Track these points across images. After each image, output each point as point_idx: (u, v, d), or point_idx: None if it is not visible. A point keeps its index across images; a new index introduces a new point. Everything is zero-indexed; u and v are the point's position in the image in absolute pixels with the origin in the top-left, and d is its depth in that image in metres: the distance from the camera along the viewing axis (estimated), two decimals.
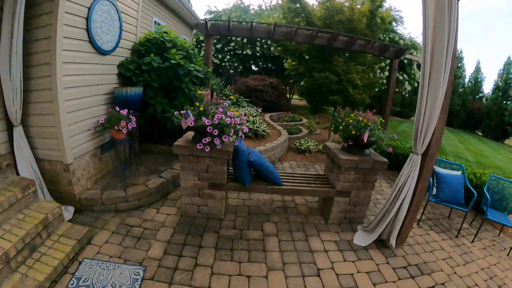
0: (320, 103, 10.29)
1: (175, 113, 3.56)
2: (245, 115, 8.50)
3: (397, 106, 24.00)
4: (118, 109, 4.35)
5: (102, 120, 4.23)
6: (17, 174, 3.37)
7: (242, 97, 11.84)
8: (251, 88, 12.98)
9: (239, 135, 3.40)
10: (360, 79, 8.47)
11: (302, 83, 10.22)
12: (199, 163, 3.71)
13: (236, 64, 16.75)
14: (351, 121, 3.90)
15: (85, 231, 3.18)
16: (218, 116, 3.20)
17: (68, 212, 3.69)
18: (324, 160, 7.43)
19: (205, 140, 3.24)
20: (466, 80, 30.16)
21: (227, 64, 16.81)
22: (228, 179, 3.98)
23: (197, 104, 3.51)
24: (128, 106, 4.60)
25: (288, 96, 17.93)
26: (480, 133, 29.37)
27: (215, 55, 16.95)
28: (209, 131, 3.19)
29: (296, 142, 8.13)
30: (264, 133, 7.61)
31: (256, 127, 7.61)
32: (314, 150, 7.91)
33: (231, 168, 4.01)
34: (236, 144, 3.67)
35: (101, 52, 4.34)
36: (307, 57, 9.10)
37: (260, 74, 14.66)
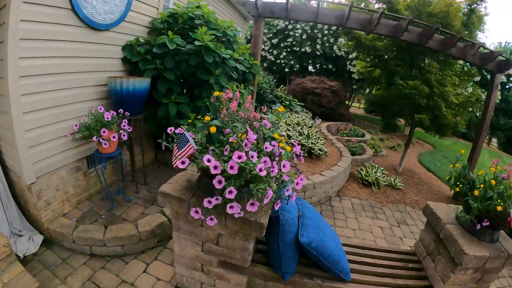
0: (397, 119, 7.99)
1: (168, 130, 1.88)
2: (298, 124, 6.63)
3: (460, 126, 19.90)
4: (102, 110, 2.85)
5: (76, 127, 2.78)
6: None
7: (296, 100, 10.02)
8: (308, 91, 11.13)
9: (285, 195, 1.64)
10: (454, 95, 6.11)
11: (373, 91, 7.97)
12: (204, 229, 2.04)
13: (292, 62, 14.94)
14: (493, 182, 2.14)
15: None
16: (238, 156, 1.46)
17: (34, 243, 2.86)
18: (397, 201, 5.34)
19: (209, 203, 1.52)
20: None
21: (282, 61, 15.10)
22: (254, 260, 2.25)
23: (207, 118, 1.83)
24: (127, 104, 3.12)
25: (347, 103, 15.60)
26: None
27: (270, 50, 15.35)
28: (218, 186, 1.48)
29: (361, 169, 6.08)
30: (321, 153, 5.71)
31: (311, 143, 5.72)
32: (384, 184, 5.81)
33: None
34: (277, 209, 1.87)
35: (92, 26, 2.98)
36: (386, 57, 6.89)
37: (319, 76, 12.66)
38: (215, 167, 1.40)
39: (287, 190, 1.58)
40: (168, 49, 3.39)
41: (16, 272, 2.42)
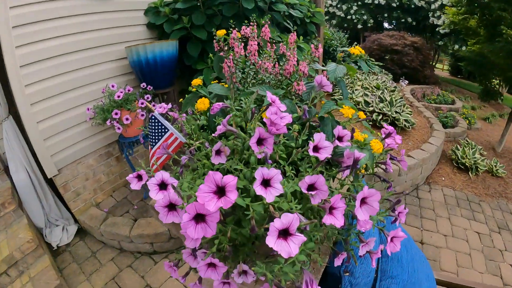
0: (499, 84, 6.11)
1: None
2: (378, 88, 5.38)
3: None
4: (114, 87, 2.30)
5: (88, 110, 2.31)
6: (11, 180, 2.44)
7: (373, 60, 8.52)
8: (386, 48, 9.46)
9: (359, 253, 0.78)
10: None
11: (468, 46, 6.10)
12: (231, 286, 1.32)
13: (365, 17, 12.93)
14: None
15: (54, 285, 2.20)
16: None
17: (68, 233, 2.72)
18: (498, 195, 4.05)
19: (192, 259, 0.74)
20: None
21: (353, 17, 13.16)
22: None
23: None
24: (150, 76, 2.54)
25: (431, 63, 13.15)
26: None
27: (338, 5, 13.54)
28: (190, 244, 0.64)
29: (456, 148, 4.72)
30: (408, 125, 4.50)
31: (395, 111, 4.53)
32: (483, 169, 4.41)
33: None
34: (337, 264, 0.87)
35: None
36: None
37: (397, 31, 10.65)
38: (170, 207, 0.63)
39: (365, 244, 0.75)
40: (197, 1, 2.63)
41: (43, 266, 2.31)
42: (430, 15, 11.16)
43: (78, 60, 2.45)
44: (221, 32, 1.10)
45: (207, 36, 2.74)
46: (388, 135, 0.86)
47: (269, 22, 1.11)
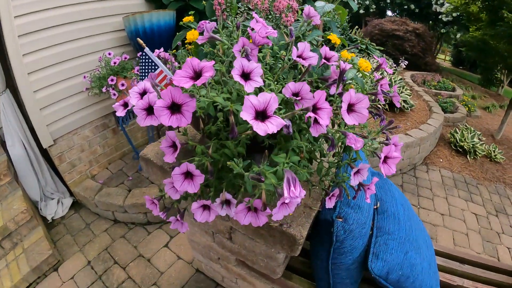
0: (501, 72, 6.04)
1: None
2: (377, 70, 5.33)
3: None
4: (110, 54, 2.27)
5: (85, 78, 2.29)
6: (8, 154, 2.43)
7: (374, 44, 8.43)
8: (388, 33, 9.27)
9: (351, 184, 0.77)
10: None
11: (470, 32, 6.02)
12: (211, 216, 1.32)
13: (367, 2, 12.71)
14: None
15: (47, 256, 2.19)
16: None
17: (63, 206, 2.72)
18: (496, 179, 4.12)
19: (173, 190, 0.71)
20: None
21: (355, 1, 12.96)
22: (291, 267, 1.47)
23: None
24: (150, 46, 2.45)
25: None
26: None
27: None
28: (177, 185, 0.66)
29: (455, 132, 4.71)
30: (406, 106, 4.49)
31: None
32: (481, 154, 4.42)
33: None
34: (329, 206, 0.83)
35: None
36: None
37: (400, 17, 10.48)
38: (149, 110, 0.61)
39: (357, 173, 0.74)
40: None
41: (36, 237, 2.32)
42: (433, 2, 10.95)
43: (76, 31, 2.42)
44: None
45: (203, 7, 2.71)
46: (378, 67, 0.87)
47: None
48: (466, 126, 5.17)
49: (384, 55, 7.80)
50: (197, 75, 0.53)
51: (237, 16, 1.05)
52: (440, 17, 10.79)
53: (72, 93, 2.50)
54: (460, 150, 4.44)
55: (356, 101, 0.60)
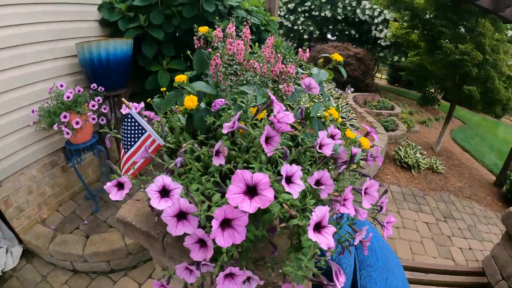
0: (436, 91, 6.86)
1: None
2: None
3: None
4: (62, 87, 2.07)
5: (33, 113, 2.03)
6: None
7: None
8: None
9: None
10: (508, 66, 4.98)
11: (409, 57, 6.80)
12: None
13: (311, 28, 13.58)
14: None
15: None
16: (246, 189, 0.53)
17: (13, 256, 2.38)
18: (439, 188, 4.55)
19: (188, 272, 0.65)
20: None
21: (300, 27, 13.76)
22: None
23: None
24: (103, 76, 2.34)
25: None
26: None
27: (286, 16, 14.04)
28: (197, 256, 0.58)
29: (399, 149, 5.16)
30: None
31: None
32: (424, 167, 4.93)
33: None
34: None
35: None
36: (428, 16, 5.65)
37: (341, 42, 11.38)
38: (180, 216, 0.56)
39: (359, 234, 0.76)
40: (156, 1, 2.51)
41: None
42: (373, 28, 12.10)
43: (21, 56, 2.15)
44: (203, 29, 1.06)
45: (164, 36, 2.63)
46: (367, 134, 0.98)
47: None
48: (407, 142, 5.71)
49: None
50: (250, 189, 0.50)
51: (235, 79, 1.03)
52: (379, 41, 11.93)
53: (17, 127, 2.22)
54: (405, 165, 4.87)
55: (370, 186, 0.69)
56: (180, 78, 0.89)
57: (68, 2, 2.39)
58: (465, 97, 5.29)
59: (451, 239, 3.47)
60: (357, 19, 12.62)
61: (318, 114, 0.97)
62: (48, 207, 2.60)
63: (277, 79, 1.06)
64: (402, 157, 4.91)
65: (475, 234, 3.68)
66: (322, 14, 13.03)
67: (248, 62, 1.01)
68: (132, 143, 0.91)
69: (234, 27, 1.00)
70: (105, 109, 2.28)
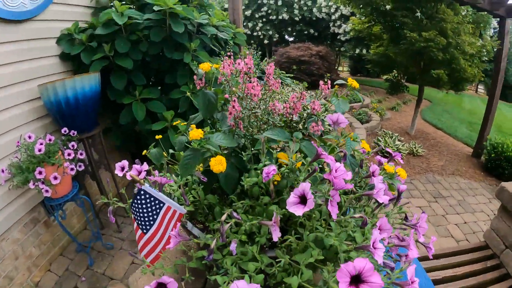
0: (402, 78, 7.13)
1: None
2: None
3: None
4: (31, 138, 1.84)
5: (3, 172, 1.78)
6: None
7: (284, 72, 9.02)
8: (294, 60, 10.09)
9: None
10: (469, 45, 5.27)
11: (372, 50, 7.02)
12: None
13: (270, 33, 13.73)
14: None
15: None
16: None
17: None
18: (424, 171, 4.69)
19: None
20: None
21: (259, 33, 13.86)
22: None
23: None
24: (72, 118, 2.12)
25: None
26: None
27: (244, 23, 14.08)
28: None
29: (378, 140, 5.26)
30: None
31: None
32: (405, 152, 5.06)
33: None
34: None
35: (3, 18, 1.93)
36: (388, 7, 5.84)
37: (303, 42, 11.57)
38: None
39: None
40: (119, 27, 2.34)
41: None
42: (331, 25, 12.45)
43: None
44: (205, 66, 0.95)
45: (133, 65, 2.45)
46: (391, 158, 1.04)
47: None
48: (384, 131, 5.84)
49: (294, 81, 8.44)
50: (354, 278, 0.45)
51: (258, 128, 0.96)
52: (338, 37, 12.27)
53: None
54: (387, 155, 4.94)
55: (422, 219, 0.77)
56: (196, 135, 0.77)
57: (22, 39, 2.11)
58: (433, 80, 5.49)
59: (445, 217, 3.58)
60: (314, 18, 12.90)
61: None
62: (38, 269, 2.29)
63: (296, 118, 1.04)
64: (383, 147, 5.00)
65: (466, 207, 3.83)
66: (280, 17, 13.22)
67: (271, 104, 1.00)
68: (152, 222, 0.77)
69: (242, 62, 0.91)
70: (81, 154, 2.06)
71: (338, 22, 11.97)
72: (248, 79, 1.07)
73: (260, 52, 10.05)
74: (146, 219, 0.78)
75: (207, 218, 0.93)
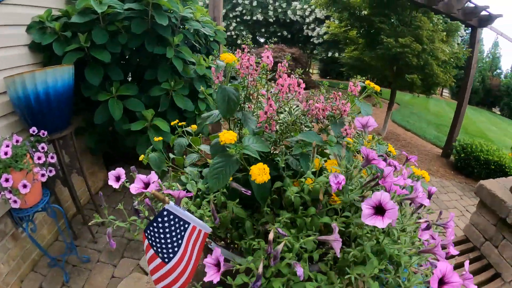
0: (380, 82, 7.36)
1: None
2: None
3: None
4: None
5: None
6: None
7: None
8: (365, 87, 10.19)
9: None
10: (441, 52, 5.54)
11: (346, 53, 7.19)
12: None
13: (244, 33, 13.62)
14: None
15: None
16: None
17: None
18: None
19: None
20: (484, 55, 28.02)
21: (233, 33, 13.70)
22: None
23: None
24: (42, 116, 1.87)
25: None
26: (498, 112, 27.97)
27: None
28: None
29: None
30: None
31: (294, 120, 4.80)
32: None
33: None
34: None
35: None
36: (365, 12, 5.98)
37: (276, 44, 11.60)
38: None
39: None
40: (97, 16, 2.10)
41: None
42: (304, 27, 12.60)
43: None
44: (228, 57, 0.86)
45: (110, 58, 2.23)
46: (406, 160, 1.08)
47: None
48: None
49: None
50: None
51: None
52: (312, 40, 12.45)
53: None
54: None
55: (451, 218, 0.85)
56: (194, 127, 0.65)
57: None
58: (407, 84, 5.69)
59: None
60: (288, 20, 12.96)
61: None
62: (9, 287, 1.99)
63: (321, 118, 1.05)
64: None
65: (440, 204, 3.96)
66: (254, 18, 13.16)
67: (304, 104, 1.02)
68: (176, 248, 0.63)
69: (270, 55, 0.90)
70: (52, 158, 1.81)
71: (312, 25, 12.15)
72: (278, 75, 1.08)
73: (234, 53, 9.90)
74: (170, 245, 0.64)
75: (228, 234, 0.80)
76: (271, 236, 0.57)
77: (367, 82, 1.06)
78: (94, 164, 2.99)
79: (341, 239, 0.59)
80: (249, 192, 0.74)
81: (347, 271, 0.64)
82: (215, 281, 0.58)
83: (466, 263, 0.71)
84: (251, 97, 1.04)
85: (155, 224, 0.63)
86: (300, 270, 0.59)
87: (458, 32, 5.98)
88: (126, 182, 0.83)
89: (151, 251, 0.66)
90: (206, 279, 0.59)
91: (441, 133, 7.49)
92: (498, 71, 28.33)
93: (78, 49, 2.09)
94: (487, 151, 4.54)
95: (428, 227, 0.72)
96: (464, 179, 4.87)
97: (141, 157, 1.07)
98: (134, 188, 0.79)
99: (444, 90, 20.42)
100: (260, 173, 0.68)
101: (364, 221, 0.59)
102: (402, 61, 5.24)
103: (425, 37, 5.12)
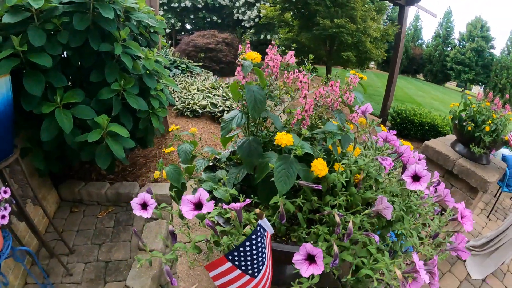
0: (315, 60, 7.76)
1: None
2: (214, 87, 5.72)
3: None
4: None
5: None
6: None
7: (192, 62, 8.65)
8: (201, 48, 9.81)
9: None
10: (374, 30, 6.02)
11: (280, 35, 7.38)
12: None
13: (172, 21, 12.96)
14: (494, 116, 2.69)
15: None
16: None
17: None
18: None
19: None
20: (406, 27, 31.94)
21: None
22: None
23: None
24: None
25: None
26: (422, 78, 30.66)
27: None
28: None
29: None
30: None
31: (228, 106, 4.84)
32: None
33: None
34: None
35: None
36: None
37: (207, 30, 11.30)
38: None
39: None
40: (32, 13, 1.76)
41: None
42: (235, 11, 12.43)
43: None
44: (253, 56, 0.90)
45: (52, 62, 1.90)
46: (399, 155, 1.20)
47: None
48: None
49: (203, 69, 8.23)
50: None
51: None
52: (242, 23, 12.40)
53: None
54: None
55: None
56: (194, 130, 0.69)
57: None
58: (343, 61, 6.09)
59: None
60: (217, 5, 12.74)
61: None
62: None
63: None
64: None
65: None
66: (182, 4, 12.60)
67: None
68: (264, 259, 0.60)
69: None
70: (5, 192, 1.50)
71: (242, 9, 12.08)
72: (296, 74, 1.17)
73: (169, 42, 9.37)
74: (260, 258, 0.60)
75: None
76: (337, 218, 0.68)
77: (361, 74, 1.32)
78: (41, 186, 2.59)
79: (391, 205, 0.76)
80: (320, 186, 0.82)
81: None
82: (315, 273, 0.66)
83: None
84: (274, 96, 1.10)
85: (247, 243, 0.58)
86: (376, 237, 0.73)
87: (387, 11, 6.56)
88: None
89: (235, 273, 0.61)
90: (305, 274, 0.64)
91: (373, 102, 8.25)
92: (420, 41, 31.62)
93: (13, 55, 1.73)
94: (420, 115, 5.16)
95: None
96: (402, 140, 5.46)
97: (156, 174, 0.96)
98: (188, 213, 0.71)
99: (370, 63, 22.69)
100: (323, 167, 0.81)
101: (409, 187, 0.78)
102: (338, 40, 5.57)
103: (359, 17, 5.50)
